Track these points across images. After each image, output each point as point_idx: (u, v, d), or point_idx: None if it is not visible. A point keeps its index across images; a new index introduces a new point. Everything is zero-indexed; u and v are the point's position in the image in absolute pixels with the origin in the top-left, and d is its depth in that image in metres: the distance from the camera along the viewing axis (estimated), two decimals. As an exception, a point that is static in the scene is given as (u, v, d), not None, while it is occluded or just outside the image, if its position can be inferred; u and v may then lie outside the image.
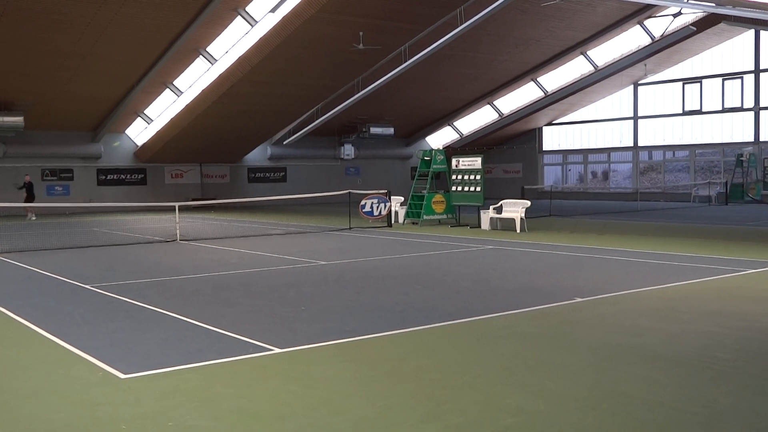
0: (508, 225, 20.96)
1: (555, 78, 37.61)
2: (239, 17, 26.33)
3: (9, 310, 9.40)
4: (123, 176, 35.94)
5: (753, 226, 21.18)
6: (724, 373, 6.12)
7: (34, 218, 29.22)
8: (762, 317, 8.28)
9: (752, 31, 34.42)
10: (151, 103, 32.86)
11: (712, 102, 36.68)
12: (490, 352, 6.99)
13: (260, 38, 26.41)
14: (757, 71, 35.01)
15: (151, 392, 5.83)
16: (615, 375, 6.12)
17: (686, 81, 37.37)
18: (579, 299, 9.56)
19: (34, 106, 30.22)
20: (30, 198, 29.21)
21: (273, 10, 25.36)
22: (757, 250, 14.76)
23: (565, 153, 43.75)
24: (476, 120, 42.17)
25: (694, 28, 31.53)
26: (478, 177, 22.34)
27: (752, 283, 10.80)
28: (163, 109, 33.16)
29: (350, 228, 21.89)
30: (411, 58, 27.47)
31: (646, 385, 5.79)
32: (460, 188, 22.86)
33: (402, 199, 25.41)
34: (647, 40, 33.70)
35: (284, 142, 38.62)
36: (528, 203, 21.05)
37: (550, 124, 43.85)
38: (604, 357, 6.71)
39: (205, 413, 5.31)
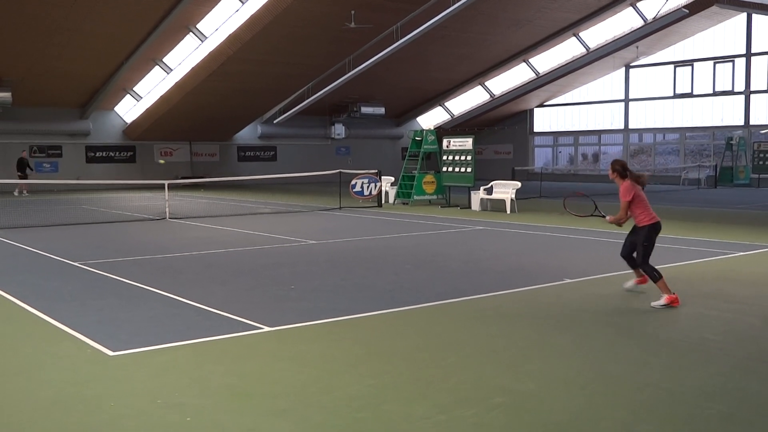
0: (498, 206, 20.97)
1: (547, 59, 37.51)
2: (230, -6, 26.10)
3: (-4, 287, 9.35)
4: (112, 154, 35.69)
5: (742, 210, 21.28)
6: (713, 354, 6.16)
7: (17, 194, 29.04)
8: (750, 299, 8.32)
9: (744, 15, 34.39)
10: (140, 80, 32.57)
11: (703, 85, 36.70)
12: (479, 332, 7.00)
13: (251, 16, 26.17)
14: (748, 55, 35.02)
15: (140, 370, 5.81)
16: (604, 356, 6.14)
17: (678, 64, 37.36)
18: (568, 280, 9.58)
19: (22, 82, 29.90)
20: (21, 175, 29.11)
21: (264, -13, 25.14)
22: (745, 234, 14.84)
23: (556, 135, 43.76)
24: (468, 101, 42.07)
25: (687, 11, 31.47)
26: (468, 158, 22.31)
27: (741, 266, 10.86)
28: (153, 87, 32.90)
29: (340, 208, 21.85)
30: (403, 37, 27.32)
31: (634, 366, 5.82)
32: (450, 169, 22.83)
33: (392, 179, 25.37)
34: (639, 23, 33.61)
35: (275, 121, 38.45)
36: (518, 184, 21.06)
37: (541, 105, 43.81)
38: (593, 338, 6.74)
39: (194, 391, 5.30)
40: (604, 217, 8.67)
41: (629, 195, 8.09)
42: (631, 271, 8.72)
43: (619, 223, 8.39)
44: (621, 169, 8.21)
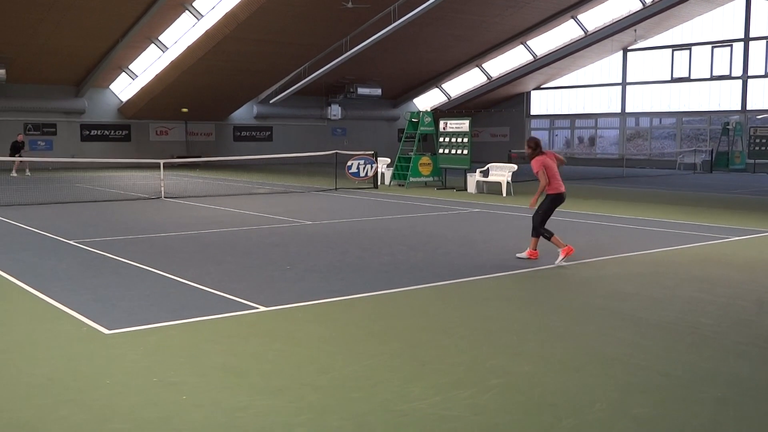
0: (494, 189, 20.97)
1: (544, 42, 37.39)
2: (226, -28, 25.88)
3: (-9, 265, 9.32)
4: (107, 132, 35.53)
5: (737, 194, 21.32)
6: (707, 338, 6.18)
7: (14, 175, 28.95)
8: (744, 284, 8.35)
9: (743, -1, 34.29)
10: (135, 58, 32.38)
11: (700, 69, 36.61)
12: (475, 314, 7.02)
13: (248, -6, 26.00)
14: (746, 39, 34.92)
15: (135, 348, 5.81)
16: (599, 338, 6.17)
17: (675, 48, 37.25)
18: (564, 263, 9.59)
19: (16, 59, 29.69)
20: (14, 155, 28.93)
21: (261, -34, 24.92)
22: (740, 218, 14.87)
23: (553, 118, 43.68)
24: (464, 83, 41.94)
25: (686, -6, 31.35)
26: (465, 140, 22.28)
27: (735, 251, 10.89)
28: (148, 65, 32.71)
29: (336, 189, 21.83)
30: (400, 18, 27.17)
31: (629, 349, 5.84)
32: (447, 151, 22.80)
33: (389, 160, 25.33)
34: (638, 5, 33.48)
35: (271, 101, 38.29)
36: (515, 167, 21.04)
37: (538, 88, 43.70)
38: (588, 320, 6.76)
39: (190, 369, 5.31)
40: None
41: (538, 166, 9.46)
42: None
43: (542, 191, 9.62)
44: (535, 146, 9.63)
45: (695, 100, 37.19)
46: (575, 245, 11.11)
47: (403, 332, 6.32)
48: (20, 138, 29.51)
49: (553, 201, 9.56)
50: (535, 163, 9.48)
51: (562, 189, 9.57)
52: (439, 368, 5.34)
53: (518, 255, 9.93)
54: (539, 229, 9.54)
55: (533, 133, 44.63)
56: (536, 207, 9.70)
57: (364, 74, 38.48)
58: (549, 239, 9.44)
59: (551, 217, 9.79)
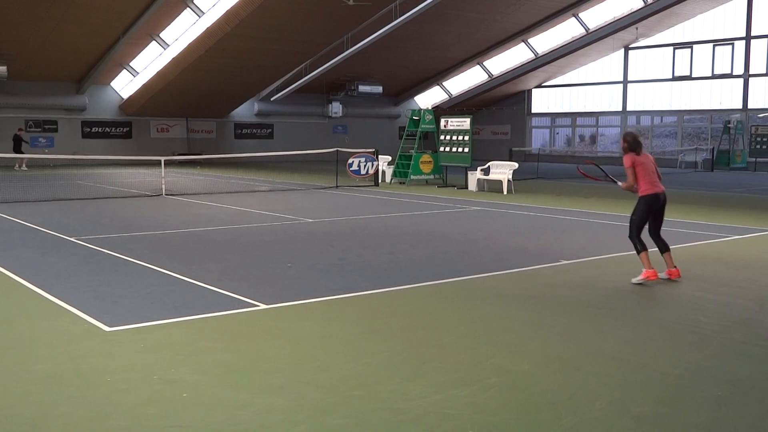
0: (495, 187, 20.97)
1: (546, 40, 37.34)
2: (228, -31, 25.84)
3: (-8, 261, 9.33)
4: (108, 129, 35.50)
5: (738, 193, 21.30)
6: (707, 336, 6.18)
7: (24, 169, 29.19)
8: (745, 283, 8.35)
9: (745, -3, 34.22)
10: (137, 55, 32.35)
11: (701, 68, 36.57)
12: (475, 312, 7.02)
13: (249, -9, 25.96)
14: (748, 37, 34.86)
15: (136, 345, 5.82)
16: (599, 337, 6.17)
17: (677, 46, 37.20)
18: (564, 261, 9.60)
19: (17, 55, 29.67)
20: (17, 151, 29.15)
21: (262, -37, 24.88)
22: (741, 217, 14.87)
23: (554, 116, 43.64)
24: (466, 80, 41.90)
25: (687, -8, 31.30)
26: (466, 138, 22.27)
27: (736, 249, 10.89)
28: (150, 62, 32.68)
29: (337, 186, 21.82)
30: (401, 15, 27.14)
31: (629, 348, 5.84)
32: (448, 149, 22.79)
33: (389, 158, 25.32)
34: (640, 4, 33.44)
35: (272, 99, 38.26)
36: (515, 165, 21.06)
37: (539, 86, 43.66)
38: (589, 319, 6.76)
39: (190, 367, 5.31)
40: (616, 183, 9.24)
41: (628, 162, 8.69)
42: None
43: (631, 189, 8.78)
44: (632, 141, 8.76)
45: (696, 98, 37.14)
46: (576, 243, 11.14)
47: (404, 330, 6.32)
48: (21, 133, 29.71)
49: (647, 203, 8.57)
50: (626, 159, 8.67)
51: (654, 190, 8.57)
52: (439, 366, 5.35)
53: (633, 280, 8.36)
54: (633, 239, 8.48)
55: (534, 132, 44.63)
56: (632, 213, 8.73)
57: (365, 72, 38.45)
58: (638, 253, 8.39)
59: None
